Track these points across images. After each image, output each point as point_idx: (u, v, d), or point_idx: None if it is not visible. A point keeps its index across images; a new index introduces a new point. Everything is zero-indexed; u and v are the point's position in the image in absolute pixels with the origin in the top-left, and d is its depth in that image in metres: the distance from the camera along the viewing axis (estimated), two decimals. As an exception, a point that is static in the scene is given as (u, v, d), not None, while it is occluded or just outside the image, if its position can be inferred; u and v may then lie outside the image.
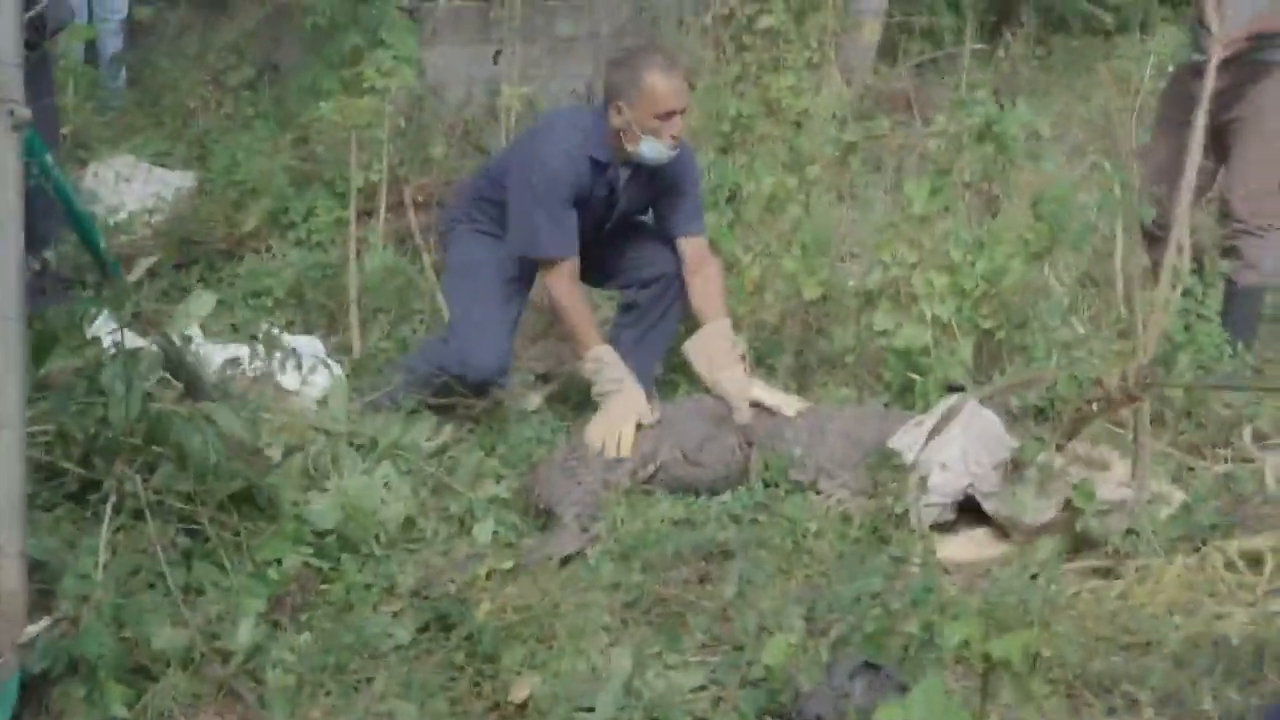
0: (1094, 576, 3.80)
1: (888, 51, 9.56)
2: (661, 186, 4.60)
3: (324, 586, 3.48)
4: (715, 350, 4.45)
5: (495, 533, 3.92)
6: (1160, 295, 4.14)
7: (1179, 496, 4.06)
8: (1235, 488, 4.25)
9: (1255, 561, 3.78)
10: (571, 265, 4.44)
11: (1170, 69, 6.06)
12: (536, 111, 6.26)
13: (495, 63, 9.48)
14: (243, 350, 4.30)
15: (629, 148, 4.38)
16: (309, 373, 4.41)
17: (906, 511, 3.97)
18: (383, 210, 5.32)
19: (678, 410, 4.36)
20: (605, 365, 4.35)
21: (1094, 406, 3.99)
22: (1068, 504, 3.89)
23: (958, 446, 3.99)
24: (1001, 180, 4.64)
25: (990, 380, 4.54)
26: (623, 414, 4.26)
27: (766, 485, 4.22)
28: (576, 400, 4.83)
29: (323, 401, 4.40)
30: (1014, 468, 3.99)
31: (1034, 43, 11.32)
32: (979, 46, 9.47)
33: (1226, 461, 4.53)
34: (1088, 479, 3.87)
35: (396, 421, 4.12)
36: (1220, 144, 5.15)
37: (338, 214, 5.75)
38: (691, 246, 4.61)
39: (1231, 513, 4.07)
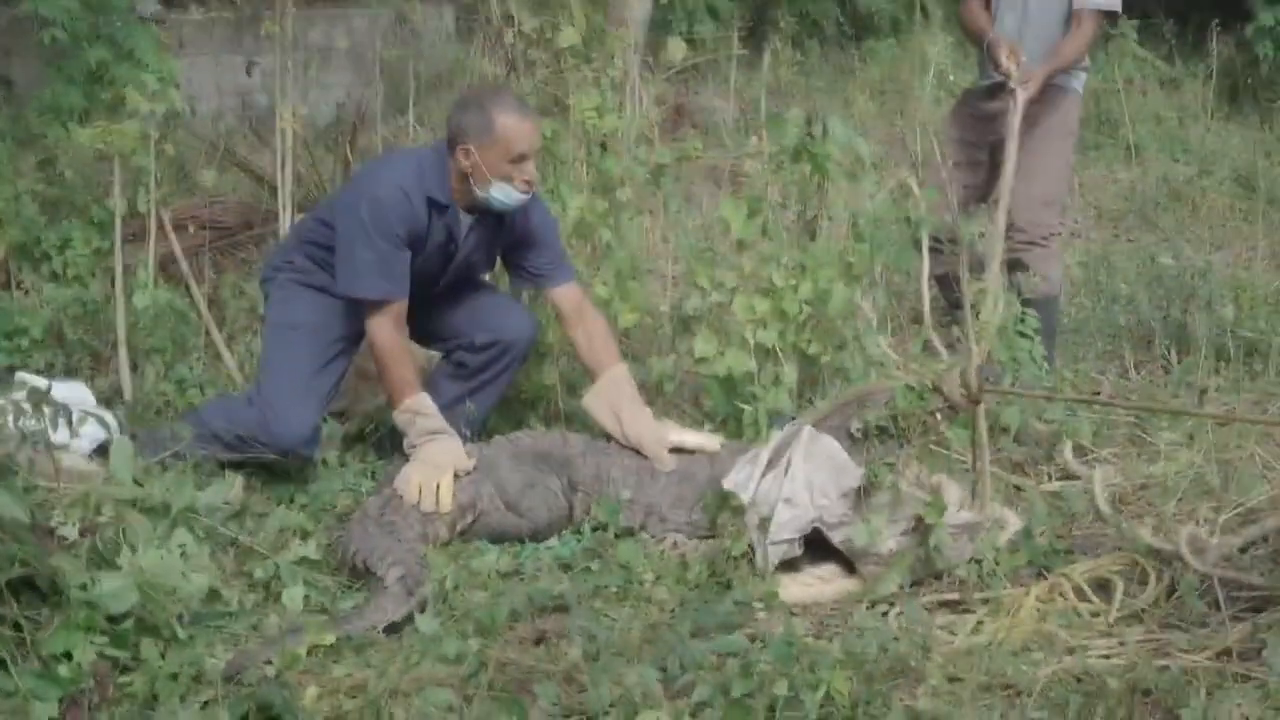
0: (944, 610, 3.66)
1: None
2: (512, 237, 4.32)
3: (123, 679, 3.06)
4: (618, 400, 4.20)
5: (307, 597, 3.57)
6: (990, 302, 4.05)
7: (1014, 520, 3.96)
8: (1066, 507, 4.19)
9: (1101, 586, 3.70)
10: (398, 309, 4.11)
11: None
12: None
13: (249, 74, 9.02)
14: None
15: (477, 192, 4.10)
16: (78, 424, 3.95)
17: (745, 553, 3.76)
18: (153, 243, 4.86)
19: (495, 453, 4.07)
20: (420, 416, 4.04)
21: (937, 416, 3.86)
22: (915, 527, 3.75)
23: (801, 478, 3.80)
24: (819, 201, 4.48)
25: (813, 405, 4.38)
26: (439, 462, 3.95)
27: (594, 529, 3.97)
28: (377, 439, 4.50)
29: (96, 459, 3.98)
30: (861, 494, 3.82)
31: (793, 48, 11.41)
32: (742, 52, 9.38)
33: (1050, 479, 4.48)
34: (937, 495, 3.74)
35: (187, 481, 3.71)
36: (994, 159, 5.31)
37: (96, 245, 5.25)
38: (566, 297, 4.35)
39: (1068, 536, 4.01)
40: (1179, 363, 5.41)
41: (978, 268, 5.21)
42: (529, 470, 4.00)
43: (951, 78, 8.32)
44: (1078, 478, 4.43)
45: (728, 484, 3.85)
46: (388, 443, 4.42)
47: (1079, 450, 4.57)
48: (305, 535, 3.85)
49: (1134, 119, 9.42)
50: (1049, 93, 5.17)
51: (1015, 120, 4.90)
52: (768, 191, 4.44)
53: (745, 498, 3.80)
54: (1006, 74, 5.03)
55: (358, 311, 4.13)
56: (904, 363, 4.60)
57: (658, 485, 4.02)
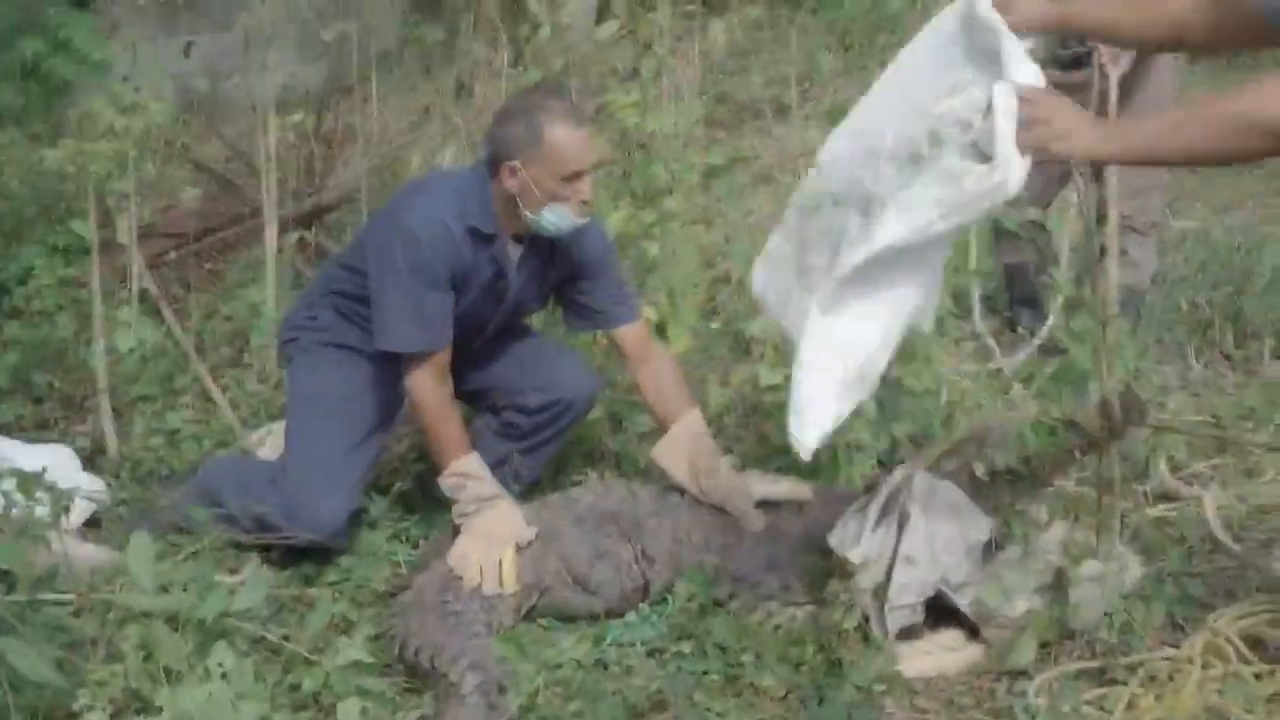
0: (1087, 681, 3.24)
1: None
2: (566, 266, 3.78)
3: None
4: (693, 452, 3.67)
5: (364, 709, 3.06)
6: (1110, 313, 3.61)
7: (1135, 562, 3.54)
8: (1178, 537, 3.78)
9: (1255, 644, 3.30)
10: (441, 360, 3.58)
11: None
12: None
13: (186, 56, 8.38)
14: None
15: (527, 216, 3.55)
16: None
17: (861, 623, 3.31)
18: (135, 278, 4.28)
19: (555, 517, 3.56)
20: (470, 480, 3.52)
21: (1075, 454, 3.43)
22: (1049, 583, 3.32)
23: (921, 532, 3.34)
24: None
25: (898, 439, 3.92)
26: (497, 534, 3.45)
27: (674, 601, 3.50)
28: (402, 492, 3.98)
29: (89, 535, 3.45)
30: (989, 548, 3.38)
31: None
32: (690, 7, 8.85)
33: (1148, 500, 4.07)
34: (1074, 542, 3.31)
35: (214, 578, 3.18)
36: None
37: (61, 273, 4.65)
38: (630, 336, 3.81)
39: (1193, 574, 3.61)
40: (1237, 348, 5.03)
41: (1050, 260, 4.83)
42: (596, 537, 3.51)
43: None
44: (1178, 498, 4.04)
45: (834, 542, 3.37)
46: (418, 497, 3.92)
47: (1173, 466, 4.17)
48: (349, 627, 3.33)
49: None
50: (1145, 70, 4.72)
51: (1113, 97, 4.41)
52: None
53: (855, 558, 3.33)
54: (1095, 47, 4.53)
55: (397, 371, 3.60)
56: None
57: (746, 547, 3.54)
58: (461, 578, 3.38)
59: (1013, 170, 2.66)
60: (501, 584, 3.39)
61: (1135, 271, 4.77)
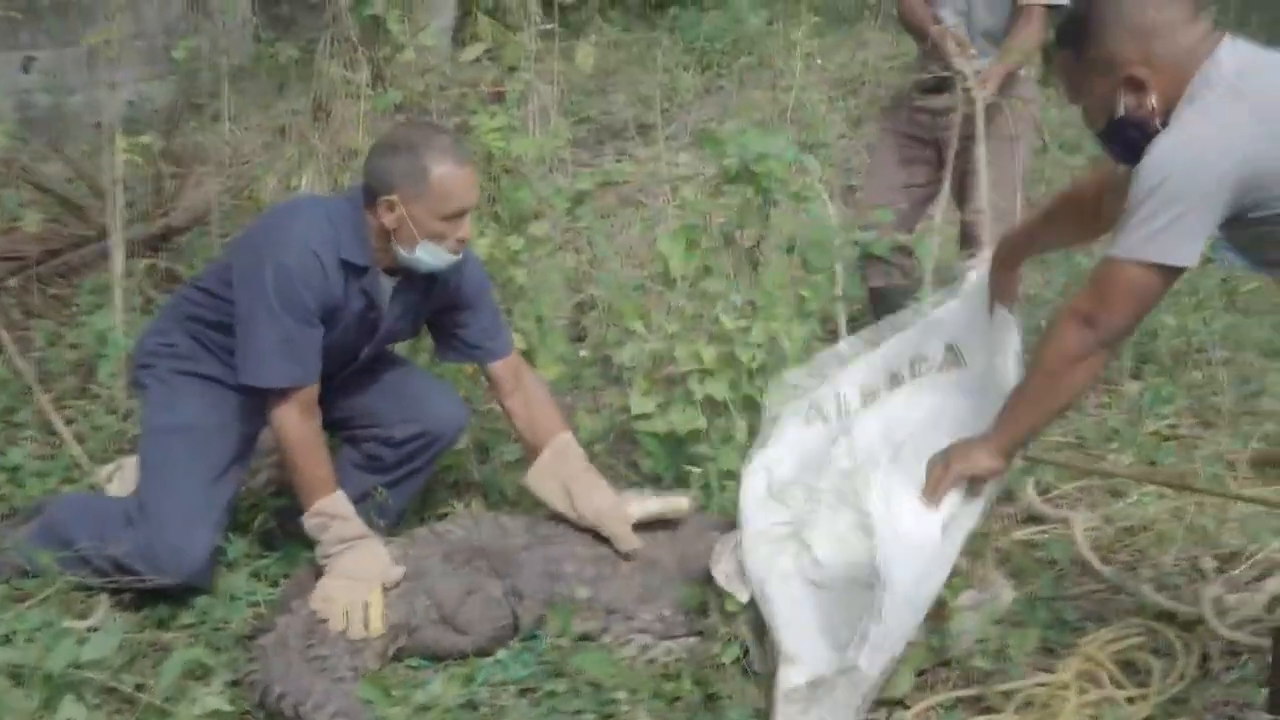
0: (966, 710, 3.22)
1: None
2: (441, 299, 3.66)
3: None
4: (567, 475, 3.59)
5: (225, 762, 2.92)
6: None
7: (1008, 588, 3.53)
8: (1049, 558, 3.80)
9: (1127, 666, 3.31)
10: (308, 395, 3.43)
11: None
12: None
13: (25, 71, 8.08)
14: None
15: (400, 252, 3.42)
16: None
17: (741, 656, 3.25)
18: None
19: (423, 553, 3.44)
20: (335, 520, 3.39)
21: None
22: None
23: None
24: (761, 227, 3.93)
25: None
26: (362, 575, 3.33)
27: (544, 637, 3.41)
28: (264, 531, 3.83)
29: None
30: None
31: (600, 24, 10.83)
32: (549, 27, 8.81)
33: (1015, 522, 4.08)
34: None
35: (64, 627, 3.01)
36: (940, 157, 4.86)
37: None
38: (502, 368, 3.70)
39: (1063, 598, 3.62)
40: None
41: (916, 283, 4.83)
42: (466, 574, 3.40)
43: (819, 60, 7.90)
44: (1046, 521, 4.06)
45: (719, 577, 3.30)
46: (277, 534, 3.77)
47: (1041, 490, 4.19)
48: (206, 673, 3.17)
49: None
50: (1004, 90, 4.73)
51: (980, 123, 4.47)
52: (709, 220, 3.86)
53: (741, 596, 3.26)
54: (959, 72, 4.58)
55: (259, 403, 3.46)
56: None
57: (619, 577, 3.46)
58: (326, 620, 3.25)
59: None
60: (367, 627, 3.26)
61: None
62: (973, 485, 3.01)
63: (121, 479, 3.92)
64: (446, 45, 7.95)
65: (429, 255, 3.42)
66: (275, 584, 3.63)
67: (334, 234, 3.40)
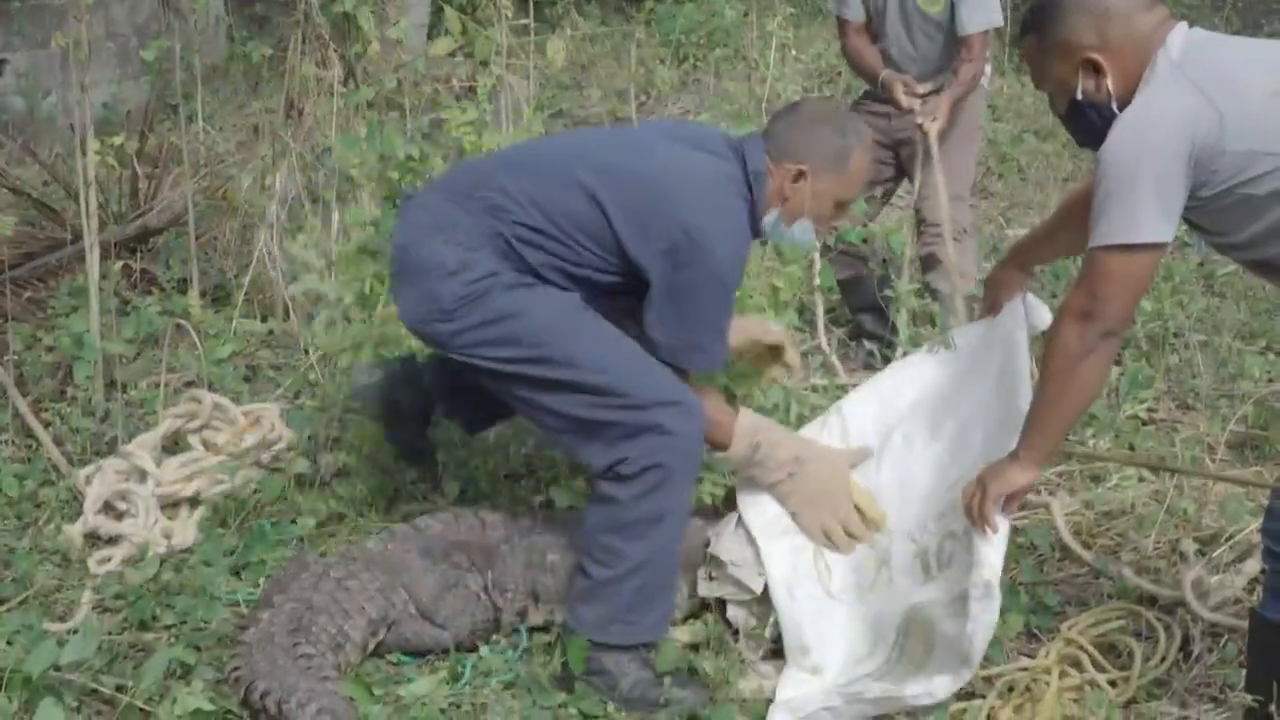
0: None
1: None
2: None
3: None
4: None
5: (206, 762, 2.91)
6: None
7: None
8: (1028, 544, 3.81)
9: (1109, 650, 3.32)
10: None
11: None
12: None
13: (0, 74, 8.04)
14: None
15: (770, 219, 3.30)
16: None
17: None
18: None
19: (401, 548, 3.42)
20: (760, 438, 3.37)
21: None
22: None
23: None
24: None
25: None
26: (830, 489, 3.39)
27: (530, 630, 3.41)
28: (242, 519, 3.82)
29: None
30: None
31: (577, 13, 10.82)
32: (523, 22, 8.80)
33: (996, 508, 4.08)
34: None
35: (40, 631, 3.00)
36: (899, 160, 5.17)
37: None
38: None
39: (1044, 582, 3.63)
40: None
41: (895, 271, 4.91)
42: (445, 569, 3.39)
43: (794, 52, 7.90)
44: (1026, 506, 4.05)
45: (716, 548, 3.34)
46: (258, 533, 3.76)
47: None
48: (187, 673, 3.16)
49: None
50: (953, 112, 5.00)
51: (935, 150, 4.67)
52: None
53: (753, 583, 3.30)
54: (909, 111, 4.89)
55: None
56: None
57: None
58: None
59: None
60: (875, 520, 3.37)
61: (964, 280, 4.83)
62: (1009, 503, 3.02)
63: (101, 481, 3.90)
64: (421, 41, 7.93)
65: (801, 232, 3.34)
66: (256, 584, 3.62)
67: (745, 207, 3.25)
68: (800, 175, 3.24)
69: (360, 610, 3.26)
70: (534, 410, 3.29)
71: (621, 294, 3.29)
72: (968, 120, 5.07)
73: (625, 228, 3.16)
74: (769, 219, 3.28)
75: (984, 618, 2.94)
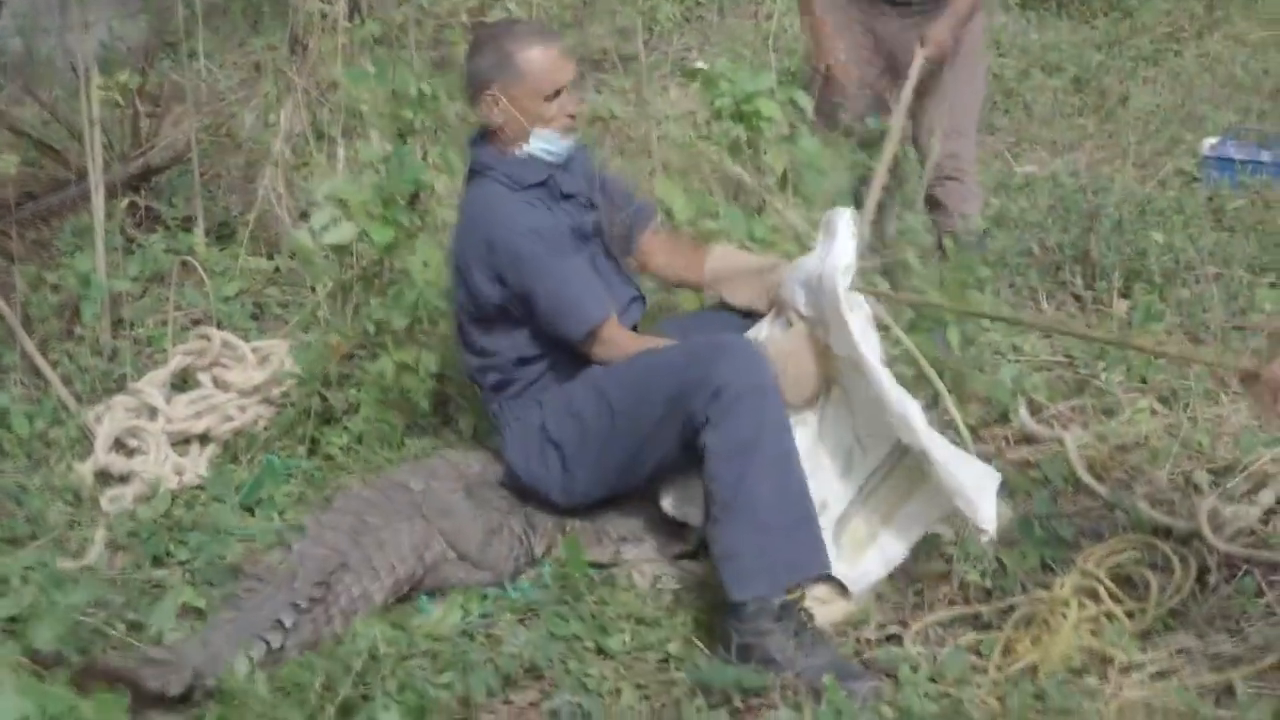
0: (962, 628, 3.24)
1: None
2: None
3: None
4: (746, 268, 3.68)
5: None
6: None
7: (1005, 506, 3.52)
8: (1042, 479, 3.80)
9: (1124, 582, 3.31)
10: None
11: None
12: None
13: (-1, 18, 7.94)
14: None
15: (518, 153, 3.47)
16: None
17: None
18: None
19: (444, 489, 3.41)
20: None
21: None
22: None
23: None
24: (754, 162, 3.89)
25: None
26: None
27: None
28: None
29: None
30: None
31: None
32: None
33: (1009, 443, 4.08)
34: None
35: (53, 564, 3.00)
36: (890, 63, 4.70)
37: None
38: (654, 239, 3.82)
39: (1059, 516, 3.62)
40: (1087, 288, 5.06)
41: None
42: (489, 514, 3.39)
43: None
44: (1039, 441, 4.06)
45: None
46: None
47: (1034, 409, 4.18)
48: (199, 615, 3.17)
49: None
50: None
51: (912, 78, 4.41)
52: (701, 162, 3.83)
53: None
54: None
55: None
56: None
57: (629, 504, 3.46)
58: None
59: None
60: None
61: (965, 222, 4.73)
62: None
63: (111, 419, 3.89)
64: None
65: (544, 142, 3.45)
66: (270, 519, 3.62)
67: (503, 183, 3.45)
68: (495, 101, 3.41)
69: (390, 570, 3.24)
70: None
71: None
72: (968, 52, 4.77)
73: (472, 297, 3.44)
74: (518, 155, 3.45)
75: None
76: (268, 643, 2.94)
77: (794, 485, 3.14)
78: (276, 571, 3.13)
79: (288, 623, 2.98)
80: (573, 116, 3.46)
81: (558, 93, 3.42)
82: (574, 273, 3.39)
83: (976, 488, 3.22)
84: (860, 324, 3.27)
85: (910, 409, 3.20)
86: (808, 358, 3.35)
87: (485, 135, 3.50)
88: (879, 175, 3.83)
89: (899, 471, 3.35)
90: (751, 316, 3.60)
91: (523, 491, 3.47)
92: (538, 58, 3.39)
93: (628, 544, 3.41)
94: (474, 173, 3.52)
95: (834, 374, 3.37)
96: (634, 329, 3.57)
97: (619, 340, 3.41)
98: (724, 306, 3.70)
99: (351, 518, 3.28)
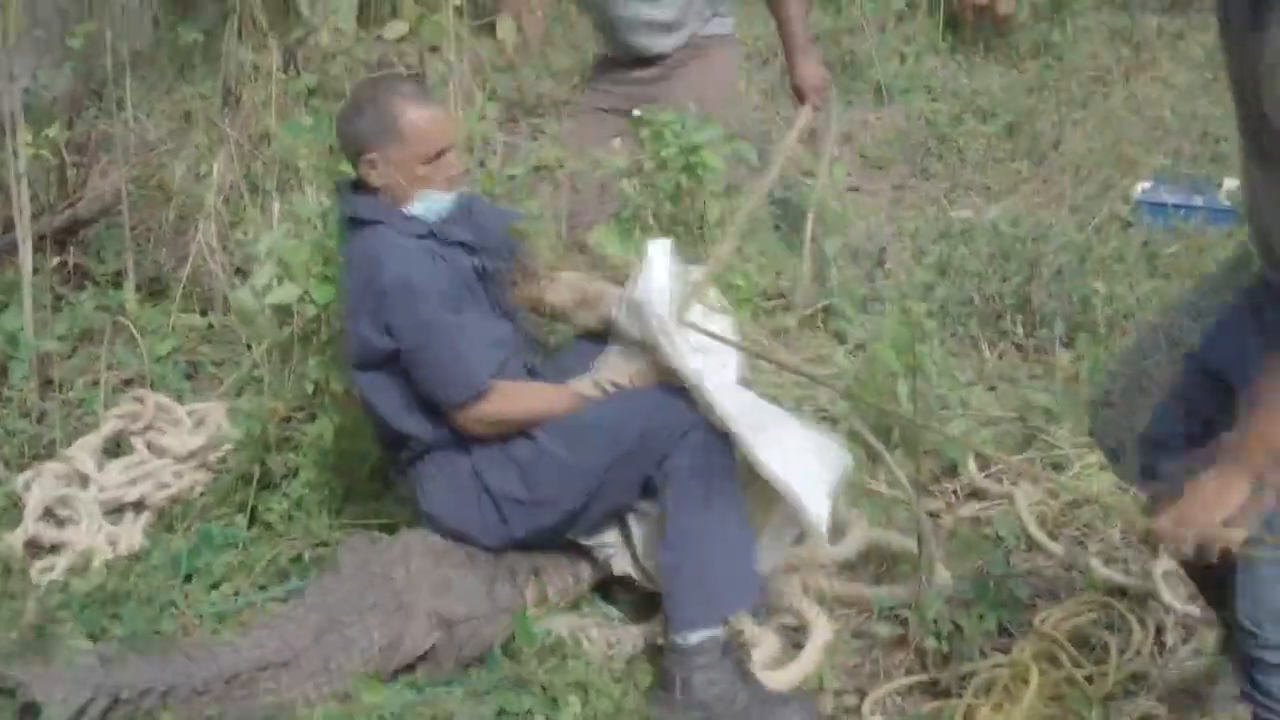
0: (921, 696, 3.19)
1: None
2: None
3: None
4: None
5: None
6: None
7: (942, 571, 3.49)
8: (995, 535, 3.77)
9: (1083, 643, 3.28)
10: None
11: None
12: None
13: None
14: None
15: (402, 212, 3.37)
16: None
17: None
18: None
19: (424, 564, 3.29)
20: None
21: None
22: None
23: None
24: (693, 211, 3.86)
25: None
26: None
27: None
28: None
29: None
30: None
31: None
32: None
33: (957, 498, 4.06)
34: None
35: None
36: None
37: None
38: None
39: (1012, 575, 3.58)
40: (1028, 337, 5.05)
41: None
42: (480, 565, 3.34)
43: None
44: (989, 497, 4.03)
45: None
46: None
47: (982, 464, 4.16)
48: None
49: (877, 58, 9.00)
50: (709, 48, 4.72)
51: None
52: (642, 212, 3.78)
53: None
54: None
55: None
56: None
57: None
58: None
59: None
60: None
61: None
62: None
63: (40, 487, 3.77)
64: (351, 26, 7.74)
65: (428, 203, 3.37)
66: (206, 590, 3.51)
67: (383, 233, 3.34)
68: (373, 164, 3.33)
69: (346, 676, 3.12)
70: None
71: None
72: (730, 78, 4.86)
73: (364, 346, 3.33)
74: (403, 211, 3.35)
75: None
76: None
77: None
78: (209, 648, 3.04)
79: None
80: (454, 176, 3.41)
81: (440, 154, 3.35)
82: (460, 331, 3.30)
83: (804, 490, 3.14)
84: (696, 343, 3.27)
85: (743, 419, 3.19)
86: (652, 375, 3.38)
87: (363, 185, 3.41)
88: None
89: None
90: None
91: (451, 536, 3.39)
92: (420, 121, 3.32)
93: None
94: (357, 222, 3.39)
95: None
96: (530, 371, 3.53)
97: (499, 405, 3.32)
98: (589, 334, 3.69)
99: (320, 615, 3.16)
